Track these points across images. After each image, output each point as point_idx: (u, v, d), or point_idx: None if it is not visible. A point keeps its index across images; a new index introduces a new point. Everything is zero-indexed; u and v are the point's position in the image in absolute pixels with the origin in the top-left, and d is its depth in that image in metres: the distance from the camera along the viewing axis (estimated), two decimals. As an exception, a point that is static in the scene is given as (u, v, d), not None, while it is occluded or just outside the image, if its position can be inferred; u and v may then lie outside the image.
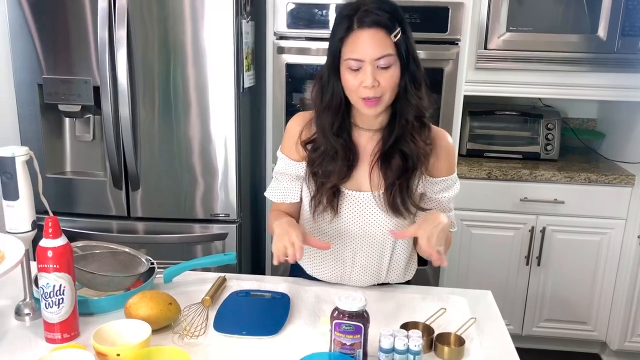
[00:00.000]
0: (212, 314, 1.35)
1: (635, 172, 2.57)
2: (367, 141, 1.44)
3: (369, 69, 1.29)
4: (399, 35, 1.31)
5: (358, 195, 1.44)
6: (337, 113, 1.38)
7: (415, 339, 1.17)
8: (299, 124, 1.47)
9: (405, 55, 1.32)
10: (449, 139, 1.47)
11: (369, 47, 1.29)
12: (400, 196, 1.39)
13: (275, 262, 1.31)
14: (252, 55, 2.46)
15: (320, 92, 1.40)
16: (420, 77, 1.37)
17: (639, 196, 2.55)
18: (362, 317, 1.15)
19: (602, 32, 2.49)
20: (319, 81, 1.40)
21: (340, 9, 1.39)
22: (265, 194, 1.58)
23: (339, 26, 1.33)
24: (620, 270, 2.65)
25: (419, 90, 1.37)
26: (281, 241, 1.30)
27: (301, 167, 1.47)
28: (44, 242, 1.19)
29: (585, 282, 2.69)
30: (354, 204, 1.45)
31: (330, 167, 1.40)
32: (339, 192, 1.43)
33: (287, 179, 1.51)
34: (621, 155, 2.71)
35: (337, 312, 1.15)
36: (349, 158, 1.41)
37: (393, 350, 1.16)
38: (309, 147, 1.44)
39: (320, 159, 1.41)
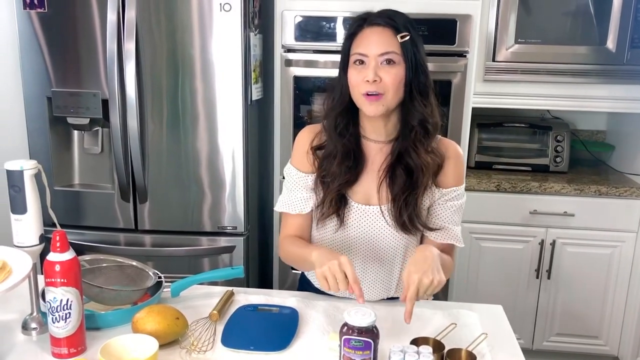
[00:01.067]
0: (220, 329, 1.33)
1: (646, 184, 2.55)
2: (376, 153, 1.44)
3: (372, 64, 1.32)
4: (406, 38, 1.33)
5: (366, 208, 1.43)
6: (342, 112, 1.40)
7: (426, 355, 1.15)
8: (309, 136, 1.48)
9: (412, 60, 1.34)
10: (458, 149, 1.47)
11: (374, 42, 1.33)
12: (406, 211, 1.38)
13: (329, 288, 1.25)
14: (260, 67, 2.46)
15: (331, 94, 1.43)
16: (427, 88, 1.38)
17: (650, 209, 2.53)
18: (371, 332, 1.13)
19: (611, 43, 2.48)
20: (331, 87, 1.43)
21: (356, 17, 1.44)
22: (276, 208, 1.55)
23: (351, 26, 1.38)
24: (632, 284, 2.62)
25: (425, 99, 1.37)
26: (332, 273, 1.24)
27: (311, 179, 1.47)
28: (51, 256, 1.18)
29: (597, 295, 2.66)
30: (362, 217, 1.44)
31: (334, 167, 1.41)
32: (346, 202, 1.43)
33: (298, 190, 1.50)
34: (631, 168, 2.68)
35: (346, 327, 1.14)
36: (351, 159, 1.41)
37: None
38: (318, 153, 1.45)
39: (327, 162, 1.42)
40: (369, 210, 1.43)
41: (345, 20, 2.41)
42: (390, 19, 1.34)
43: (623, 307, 2.66)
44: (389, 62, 1.33)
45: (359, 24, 1.36)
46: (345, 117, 1.41)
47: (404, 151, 1.39)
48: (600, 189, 2.53)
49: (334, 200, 1.41)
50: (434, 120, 1.40)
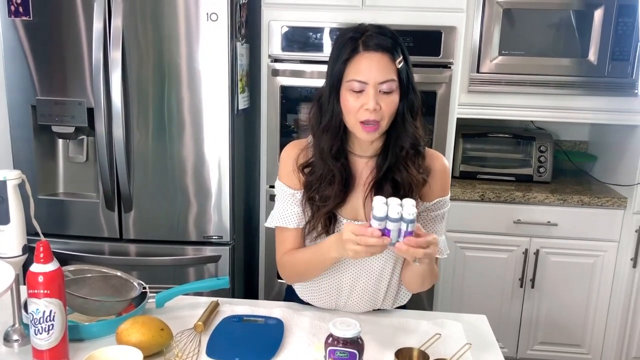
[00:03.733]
0: (205, 340, 1.33)
1: (628, 194, 2.58)
2: (362, 168, 1.43)
3: (372, 92, 1.29)
4: (402, 63, 1.32)
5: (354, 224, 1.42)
6: (336, 136, 1.37)
7: (409, 207, 1.17)
8: (294, 151, 1.46)
9: (405, 82, 1.33)
10: (444, 161, 1.47)
11: (374, 70, 1.29)
12: None
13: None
14: (246, 77, 2.47)
15: (318, 114, 1.40)
16: (417, 106, 1.37)
17: (632, 219, 2.56)
18: (356, 343, 1.13)
19: (592, 56, 2.52)
20: (317, 103, 1.40)
21: (342, 32, 1.38)
22: (270, 224, 1.50)
23: (344, 48, 1.32)
24: (613, 293, 2.65)
25: (415, 120, 1.37)
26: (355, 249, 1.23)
27: (300, 195, 1.45)
28: (34, 267, 1.17)
29: (579, 304, 2.68)
30: None
31: (327, 191, 1.38)
32: (335, 219, 1.41)
33: (291, 205, 1.46)
34: (613, 178, 2.72)
35: (331, 338, 1.14)
36: (347, 182, 1.40)
37: None
38: (306, 170, 1.43)
39: (317, 183, 1.39)
40: None
41: (332, 31, 2.43)
42: (385, 42, 1.30)
43: (605, 316, 2.68)
44: (388, 89, 1.30)
45: (353, 46, 1.31)
46: (336, 139, 1.38)
47: (393, 167, 1.38)
48: (583, 199, 2.56)
49: (324, 220, 1.39)
50: (424, 141, 1.40)
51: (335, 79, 1.34)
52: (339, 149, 1.39)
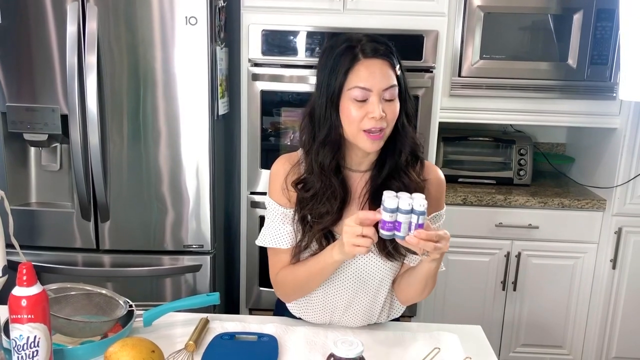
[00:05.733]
0: (197, 360, 1.28)
1: (606, 196, 2.61)
2: (357, 182, 1.39)
3: (376, 99, 1.25)
4: (400, 69, 1.30)
5: None
6: (335, 149, 1.33)
7: (419, 199, 1.17)
8: (284, 167, 1.40)
9: (404, 89, 1.31)
10: (439, 175, 1.44)
11: (377, 76, 1.26)
12: (391, 241, 1.30)
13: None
14: (226, 82, 2.41)
15: (311, 129, 1.35)
16: (412, 112, 1.35)
17: (611, 220, 2.59)
18: (359, 363, 1.10)
19: (571, 60, 2.53)
20: (309, 117, 1.35)
21: (332, 44, 1.32)
22: (262, 243, 1.44)
23: (341, 59, 1.27)
24: (593, 294, 2.68)
25: (411, 125, 1.35)
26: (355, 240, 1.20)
27: (291, 212, 1.40)
28: (17, 291, 1.10)
29: (560, 306, 2.71)
30: None
31: (324, 208, 1.33)
32: (332, 236, 1.36)
33: (283, 224, 1.40)
34: (592, 180, 2.75)
35: (333, 358, 1.10)
36: (344, 198, 1.36)
37: None
38: (299, 187, 1.37)
39: (313, 200, 1.34)
40: None
41: (313, 35, 2.39)
42: (383, 48, 1.27)
43: (585, 317, 2.71)
44: (391, 96, 1.27)
45: (352, 56, 1.27)
46: (336, 153, 1.34)
47: (392, 175, 1.34)
48: (563, 202, 2.58)
49: (320, 238, 1.35)
50: (422, 147, 1.38)
51: (333, 91, 1.29)
52: (337, 164, 1.35)
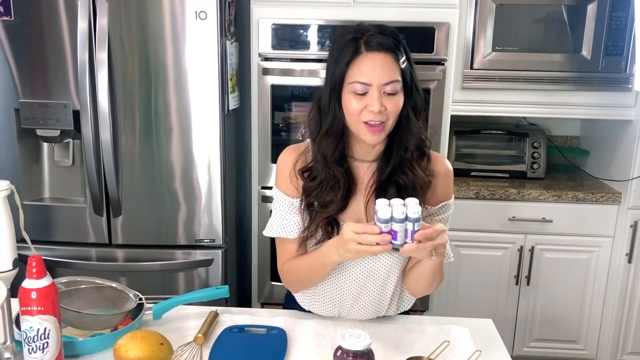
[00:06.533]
0: (206, 353, 1.28)
1: (622, 189, 2.57)
2: (363, 172, 1.38)
3: (376, 94, 1.25)
4: (405, 62, 1.28)
5: None
6: (338, 139, 1.33)
7: (413, 206, 1.16)
8: (291, 157, 1.41)
9: (409, 82, 1.29)
10: (446, 164, 1.43)
11: (377, 71, 1.25)
12: None
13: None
14: (236, 76, 2.41)
15: (318, 118, 1.35)
16: (421, 106, 1.33)
17: (626, 214, 2.56)
18: (367, 356, 1.09)
19: (586, 51, 2.50)
20: (317, 107, 1.35)
21: (341, 33, 1.33)
22: (269, 233, 1.45)
23: (344, 49, 1.27)
24: (608, 288, 2.65)
25: (419, 119, 1.33)
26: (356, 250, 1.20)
27: (298, 202, 1.39)
28: (27, 283, 1.11)
29: (575, 300, 2.68)
30: None
31: (328, 197, 1.33)
32: (337, 225, 1.36)
33: (290, 213, 1.40)
34: (606, 173, 2.71)
35: (340, 351, 1.10)
36: (349, 188, 1.35)
37: None
38: (305, 175, 1.37)
39: (317, 189, 1.34)
40: None
41: (323, 28, 2.38)
42: (387, 41, 1.26)
43: (600, 311, 2.68)
44: (392, 90, 1.26)
45: (355, 47, 1.26)
46: (340, 143, 1.33)
47: (397, 170, 1.33)
48: (577, 195, 2.55)
49: (325, 226, 1.34)
50: (429, 142, 1.36)
51: (336, 82, 1.29)
52: (341, 153, 1.34)
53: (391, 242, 1.17)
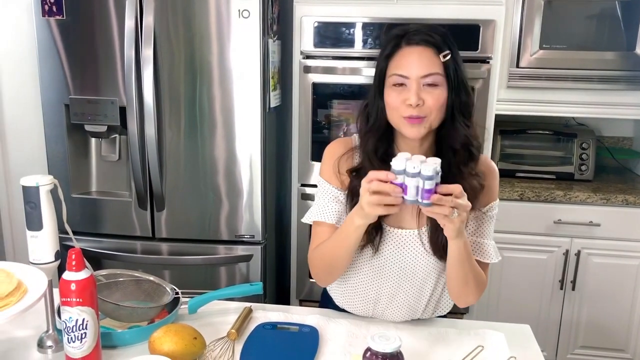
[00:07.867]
0: (238, 348, 1.30)
1: (675, 194, 2.46)
2: None
3: (414, 86, 1.24)
4: (448, 56, 1.25)
5: (399, 232, 1.36)
6: (381, 136, 1.33)
7: (430, 164, 1.12)
8: (338, 149, 1.41)
9: (454, 79, 1.26)
10: (492, 165, 1.40)
11: (415, 64, 1.25)
12: (445, 236, 1.26)
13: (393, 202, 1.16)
14: (278, 74, 2.43)
15: (365, 116, 1.36)
16: (470, 107, 1.31)
17: (680, 219, 2.45)
18: (396, 358, 1.08)
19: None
20: (365, 104, 1.36)
21: (389, 30, 1.35)
22: (307, 219, 1.44)
23: (387, 45, 1.30)
24: (659, 296, 2.55)
25: (468, 120, 1.30)
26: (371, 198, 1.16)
27: (342, 195, 1.39)
28: (66, 275, 1.15)
29: (623, 307, 2.58)
30: (395, 242, 1.37)
31: None
32: (381, 228, 1.35)
33: (332, 202, 1.40)
34: (660, 176, 2.61)
35: (369, 352, 1.09)
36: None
37: None
38: (354, 174, 1.36)
39: None
40: (404, 235, 1.36)
41: (365, 26, 2.37)
42: (431, 37, 1.25)
43: (650, 320, 2.58)
44: (432, 82, 1.25)
45: (395, 42, 1.28)
46: (385, 140, 1.33)
47: (447, 173, 1.28)
48: (627, 199, 2.46)
49: (369, 230, 1.31)
50: (477, 143, 1.33)
51: (379, 77, 1.31)
52: (385, 150, 1.33)
53: (403, 197, 1.15)
